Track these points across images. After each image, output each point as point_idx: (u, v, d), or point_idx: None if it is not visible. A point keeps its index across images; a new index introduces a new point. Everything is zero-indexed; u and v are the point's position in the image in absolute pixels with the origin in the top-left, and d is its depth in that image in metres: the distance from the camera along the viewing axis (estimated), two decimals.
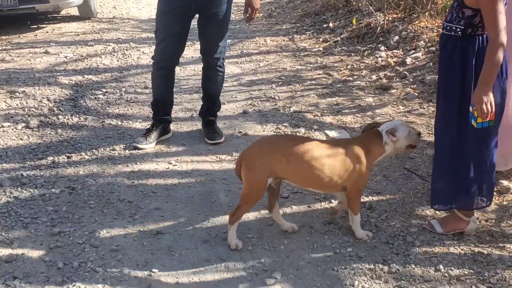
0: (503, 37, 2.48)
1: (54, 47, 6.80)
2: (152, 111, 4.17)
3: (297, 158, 2.70)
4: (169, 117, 4.18)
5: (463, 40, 2.65)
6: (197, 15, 3.88)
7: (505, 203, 3.21)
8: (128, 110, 4.77)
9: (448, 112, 2.77)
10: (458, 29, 2.65)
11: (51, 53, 6.50)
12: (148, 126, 4.14)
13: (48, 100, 4.93)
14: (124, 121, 4.50)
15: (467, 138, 2.73)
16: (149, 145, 3.98)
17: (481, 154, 2.76)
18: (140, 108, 4.79)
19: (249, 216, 3.10)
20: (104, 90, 5.25)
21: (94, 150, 3.95)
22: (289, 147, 2.72)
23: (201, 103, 4.33)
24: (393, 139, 2.80)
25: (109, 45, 6.92)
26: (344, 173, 2.74)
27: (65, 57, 6.37)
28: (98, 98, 5.04)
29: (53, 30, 7.84)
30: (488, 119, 2.53)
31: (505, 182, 3.35)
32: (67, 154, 3.88)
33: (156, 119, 4.11)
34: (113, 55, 6.47)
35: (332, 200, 3.25)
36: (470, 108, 2.55)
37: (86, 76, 5.66)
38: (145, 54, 6.39)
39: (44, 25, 8.11)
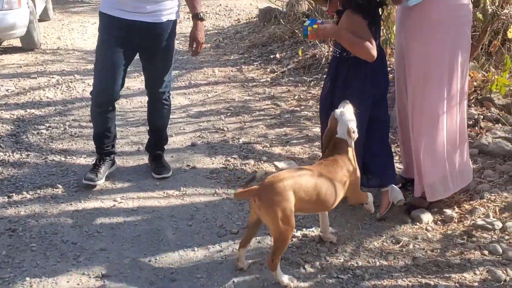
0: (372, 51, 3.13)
1: None
2: (95, 145, 4.06)
3: (311, 189, 2.76)
4: (114, 149, 4.08)
5: (339, 59, 3.35)
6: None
7: (449, 232, 3.27)
8: (72, 145, 4.64)
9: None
10: (337, 52, 3.37)
11: None
12: (95, 161, 4.02)
13: None
14: (68, 157, 4.37)
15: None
16: (102, 180, 3.87)
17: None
18: (85, 143, 4.67)
19: (198, 254, 3.05)
20: (48, 124, 5.10)
21: (36, 189, 3.80)
22: (301, 180, 2.75)
23: (148, 136, 4.26)
24: (355, 134, 2.93)
25: (53, 77, 6.75)
26: (342, 188, 2.92)
27: (7, 90, 6.17)
28: (41, 133, 4.89)
29: None
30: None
31: (448, 211, 3.43)
32: (7, 194, 3.72)
33: (101, 153, 3.99)
34: (57, 88, 6.32)
35: None
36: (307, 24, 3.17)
37: (28, 110, 5.49)
38: (90, 86, 6.11)
39: None
